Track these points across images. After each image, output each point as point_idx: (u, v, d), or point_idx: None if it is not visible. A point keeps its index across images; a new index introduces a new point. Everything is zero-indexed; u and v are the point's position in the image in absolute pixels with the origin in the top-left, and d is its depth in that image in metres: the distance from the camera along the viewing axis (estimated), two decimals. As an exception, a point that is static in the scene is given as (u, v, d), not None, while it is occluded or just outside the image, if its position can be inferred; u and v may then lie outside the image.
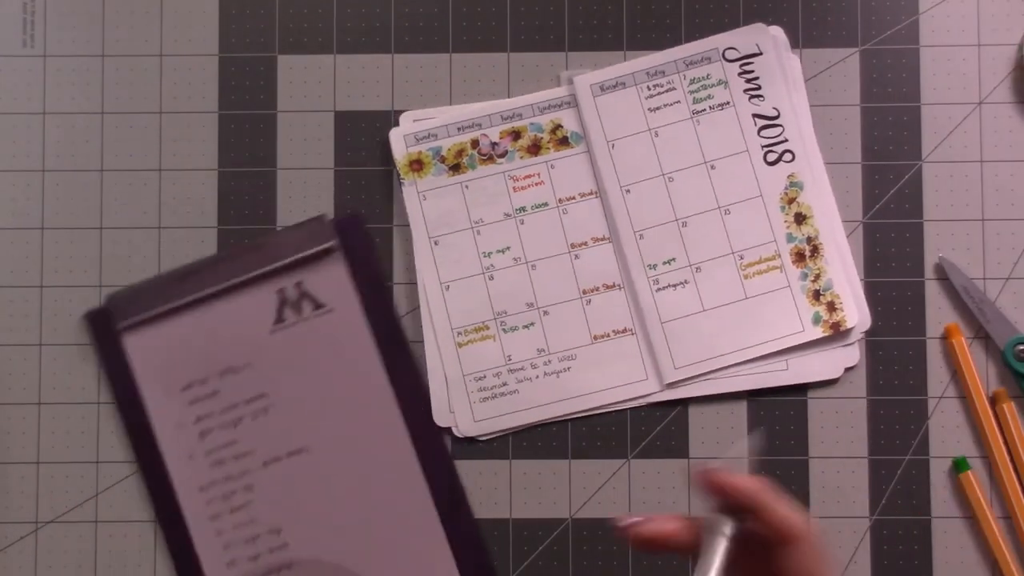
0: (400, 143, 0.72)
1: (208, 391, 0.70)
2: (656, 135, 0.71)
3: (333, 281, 0.71)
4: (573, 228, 0.72)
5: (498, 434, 0.71)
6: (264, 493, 0.70)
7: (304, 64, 0.74)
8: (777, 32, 0.72)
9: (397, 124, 0.73)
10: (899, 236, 0.73)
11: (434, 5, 0.74)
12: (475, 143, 0.72)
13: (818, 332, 0.70)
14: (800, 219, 0.71)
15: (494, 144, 0.72)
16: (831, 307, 0.70)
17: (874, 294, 0.72)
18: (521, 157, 0.72)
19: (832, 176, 0.73)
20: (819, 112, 0.73)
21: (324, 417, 0.70)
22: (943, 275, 0.72)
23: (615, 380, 0.70)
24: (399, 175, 0.72)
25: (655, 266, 0.71)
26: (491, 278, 0.71)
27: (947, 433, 0.71)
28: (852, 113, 0.73)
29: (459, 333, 0.71)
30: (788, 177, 0.71)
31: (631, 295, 0.71)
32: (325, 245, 0.71)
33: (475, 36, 0.74)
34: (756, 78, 0.72)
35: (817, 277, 0.70)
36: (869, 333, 0.72)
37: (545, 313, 0.71)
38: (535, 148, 0.72)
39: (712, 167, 0.71)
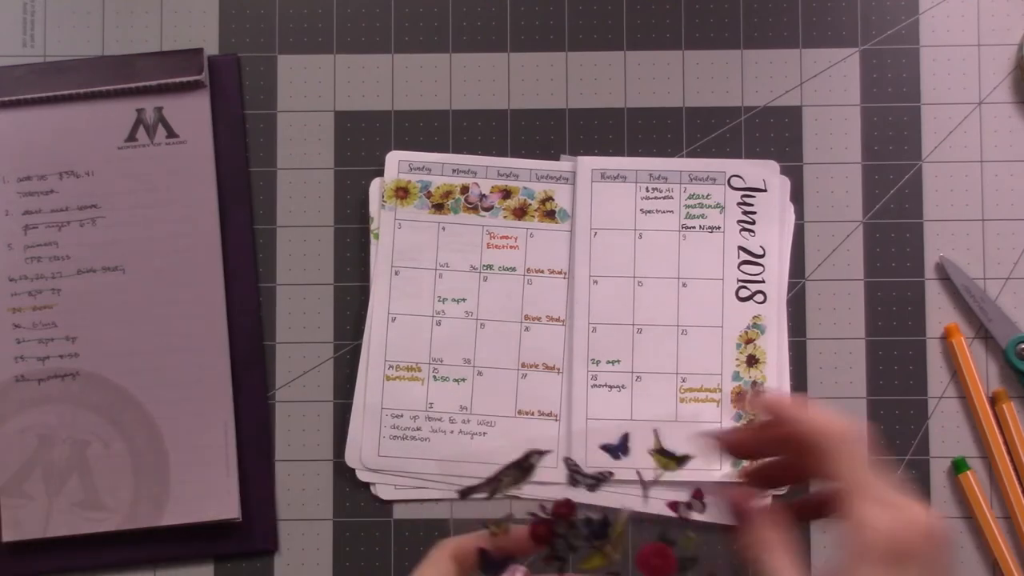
0: (394, 167, 0.72)
1: (45, 188, 0.70)
2: (640, 237, 0.71)
3: (193, 115, 0.71)
4: (532, 300, 0.71)
5: (395, 475, 0.70)
6: (70, 300, 0.70)
7: (304, 64, 0.74)
8: (784, 179, 0.72)
9: (398, 148, 0.73)
10: (899, 236, 0.73)
11: (434, 5, 0.74)
12: (464, 189, 0.72)
13: (733, 475, 0.69)
14: (752, 361, 0.70)
15: (483, 196, 0.71)
16: None
17: (874, 294, 0.72)
18: (505, 216, 0.72)
19: (832, 176, 0.73)
20: (819, 112, 0.73)
21: (148, 244, 0.70)
22: (943, 275, 0.72)
23: None
24: (383, 197, 0.72)
25: (598, 362, 0.70)
26: (438, 323, 0.71)
27: (947, 433, 0.71)
28: (852, 113, 0.73)
29: (391, 367, 0.71)
30: (753, 318, 0.71)
31: (567, 382, 0.71)
32: (194, 77, 0.71)
33: (475, 36, 0.74)
34: (753, 212, 0.71)
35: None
36: (869, 333, 0.72)
37: (479, 373, 0.70)
38: (521, 212, 0.71)
39: (684, 284, 0.71)
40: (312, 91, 0.74)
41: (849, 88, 0.73)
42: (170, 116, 0.72)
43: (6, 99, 0.71)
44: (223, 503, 0.69)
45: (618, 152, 0.73)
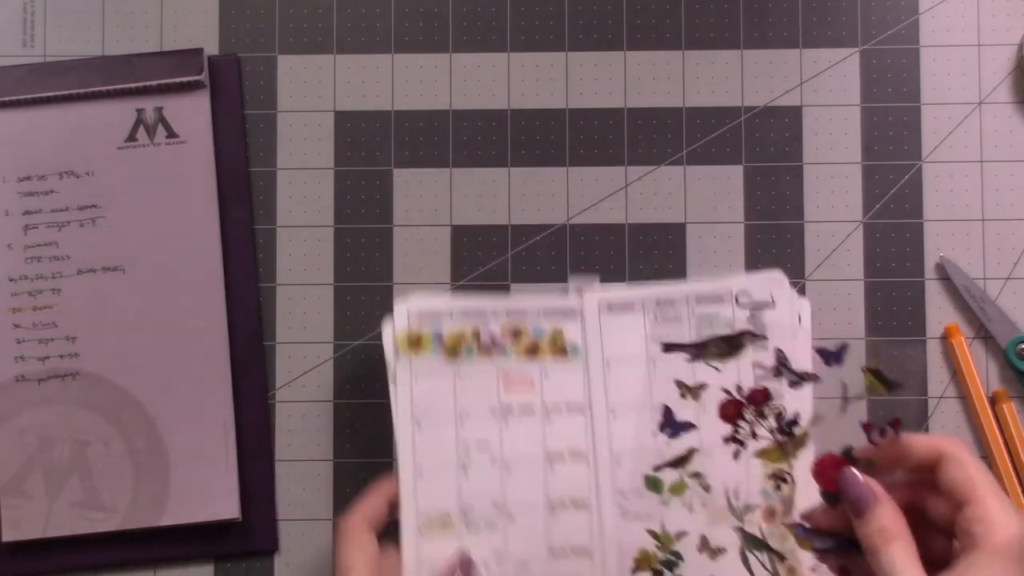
0: (403, 316, 0.69)
1: (45, 188, 0.70)
2: (654, 365, 0.69)
3: (194, 115, 0.71)
4: (554, 438, 0.69)
5: None
6: (70, 300, 0.70)
7: (304, 64, 0.74)
8: (793, 292, 0.68)
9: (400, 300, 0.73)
10: (899, 236, 0.73)
11: (434, 5, 0.74)
12: (476, 334, 0.69)
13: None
14: (778, 477, 0.68)
15: (493, 340, 0.69)
16: (791, 571, 0.66)
17: (874, 294, 0.72)
18: (518, 357, 0.70)
19: (832, 176, 0.73)
20: (819, 112, 0.73)
21: (148, 244, 0.70)
22: (943, 275, 0.72)
23: None
24: (396, 346, 0.68)
25: (625, 494, 0.68)
26: (464, 472, 0.68)
27: (947, 433, 0.71)
28: (852, 113, 0.73)
29: (423, 524, 0.67)
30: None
31: (597, 517, 0.68)
32: (194, 77, 0.71)
33: (475, 36, 0.74)
34: (764, 327, 0.68)
35: (783, 539, 0.67)
36: (869, 333, 0.72)
37: (510, 518, 0.68)
38: (533, 351, 0.70)
39: (704, 409, 0.68)
40: (312, 91, 0.74)
41: (849, 88, 0.73)
42: (170, 116, 0.72)
43: (6, 99, 0.71)
44: (223, 503, 0.69)
45: (617, 149, 0.73)
